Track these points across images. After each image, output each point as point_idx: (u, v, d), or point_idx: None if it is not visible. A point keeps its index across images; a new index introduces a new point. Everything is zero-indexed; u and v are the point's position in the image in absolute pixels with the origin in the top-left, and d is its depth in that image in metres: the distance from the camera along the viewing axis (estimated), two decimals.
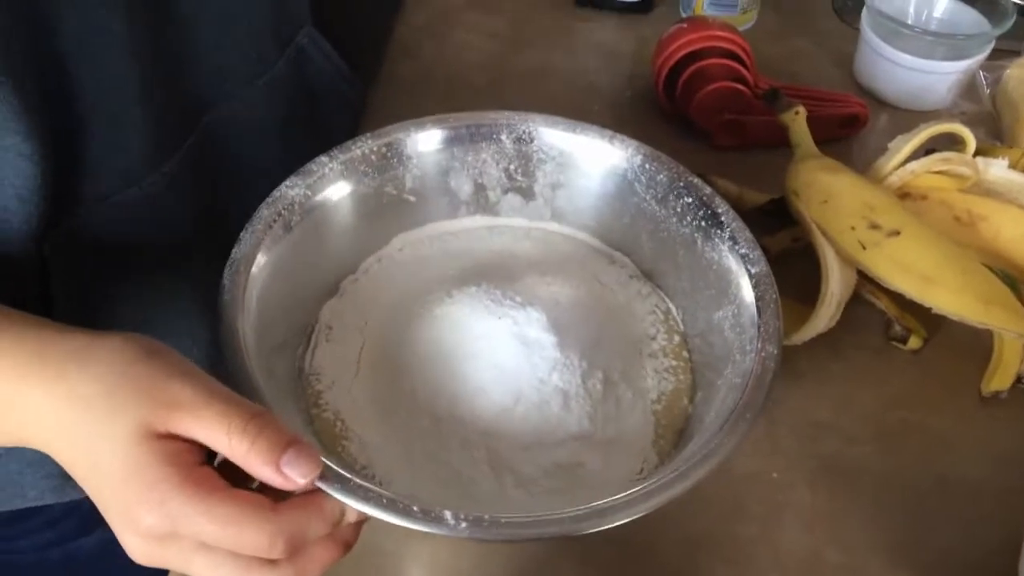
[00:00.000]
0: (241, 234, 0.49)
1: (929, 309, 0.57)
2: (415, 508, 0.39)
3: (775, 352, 0.45)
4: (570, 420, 0.48)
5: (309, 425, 0.49)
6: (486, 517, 0.39)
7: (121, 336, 0.38)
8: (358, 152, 0.54)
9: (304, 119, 0.63)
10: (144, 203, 0.51)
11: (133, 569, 0.55)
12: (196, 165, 0.54)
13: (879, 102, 0.79)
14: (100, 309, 0.52)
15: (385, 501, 0.39)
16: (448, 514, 0.39)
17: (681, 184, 0.53)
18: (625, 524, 0.40)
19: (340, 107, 0.68)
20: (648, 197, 0.55)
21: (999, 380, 0.58)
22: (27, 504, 0.57)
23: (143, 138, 0.50)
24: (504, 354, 0.48)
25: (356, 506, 0.39)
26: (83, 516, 0.62)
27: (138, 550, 0.37)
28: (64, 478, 0.54)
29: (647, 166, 0.54)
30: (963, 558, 0.52)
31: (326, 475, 0.40)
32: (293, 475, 0.37)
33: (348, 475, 0.40)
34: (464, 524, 0.39)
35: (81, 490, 0.58)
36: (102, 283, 0.52)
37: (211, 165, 0.56)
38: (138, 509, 0.36)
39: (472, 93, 0.80)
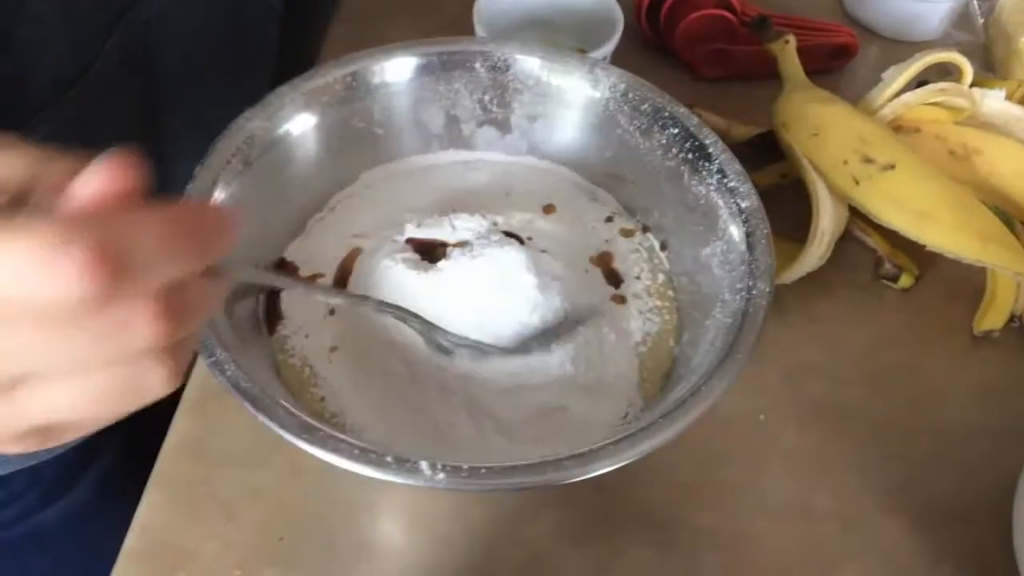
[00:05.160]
0: (196, 169, 0.46)
1: (922, 247, 0.55)
2: (389, 458, 0.37)
3: (767, 290, 0.43)
4: (551, 363, 0.45)
5: (275, 372, 0.46)
6: (464, 467, 0.37)
7: None
8: (321, 82, 0.51)
9: (224, 24, 0.57)
10: (76, 116, 0.47)
11: (102, 535, 0.53)
12: (122, 69, 0.49)
13: (869, 33, 0.76)
14: None
15: (357, 452, 0.37)
16: (424, 464, 0.36)
17: (666, 114, 0.50)
18: (609, 471, 0.38)
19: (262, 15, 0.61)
20: (631, 129, 0.52)
21: (992, 319, 0.56)
22: None
23: (63, 36, 0.45)
24: (481, 295, 0.45)
25: (325, 457, 0.37)
26: (46, 484, 0.60)
27: None
28: None
29: (630, 95, 0.51)
30: (956, 500, 0.50)
31: (290, 425, 0.38)
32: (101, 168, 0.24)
33: (315, 424, 0.38)
34: (441, 474, 0.36)
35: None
36: None
37: (137, 69, 0.51)
38: None
39: (444, 22, 0.76)
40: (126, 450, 0.63)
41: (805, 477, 0.51)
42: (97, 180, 0.24)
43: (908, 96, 0.60)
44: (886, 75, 0.61)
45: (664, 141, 0.50)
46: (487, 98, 0.54)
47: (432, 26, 0.74)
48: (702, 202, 0.48)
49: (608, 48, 0.61)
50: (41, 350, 0.23)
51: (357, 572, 0.46)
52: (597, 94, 0.52)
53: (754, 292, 0.43)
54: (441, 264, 0.46)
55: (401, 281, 0.47)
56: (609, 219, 0.54)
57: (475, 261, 0.46)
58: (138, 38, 0.50)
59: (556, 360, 0.45)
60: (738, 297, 0.43)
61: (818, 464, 0.51)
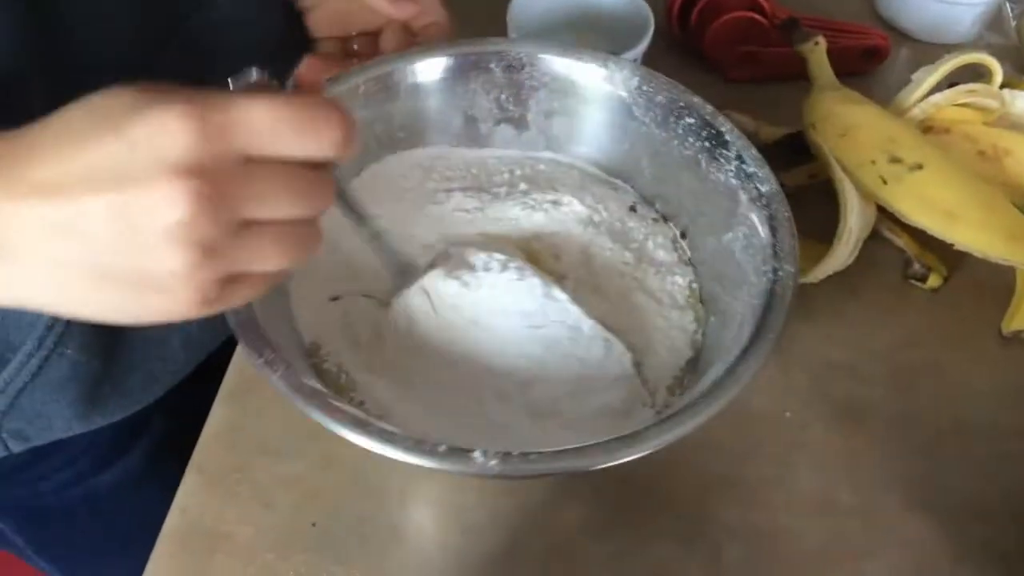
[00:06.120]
0: None
1: (950, 246, 0.55)
2: (442, 448, 0.37)
3: (792, 271, 0.43)
4: (609, 365, 0.47)
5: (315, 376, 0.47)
6: (515, 453, 0.37)
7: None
8: (343, 87, 0.52)
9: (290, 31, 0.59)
10: None
11: (152, 503, 0.55)
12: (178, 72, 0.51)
13: (901, 35, 0.77)
14: None
15: (411, 443, 0.37)
16: (477, 452, 0.37)
17: (681, 104, 0.51)
18: (635, 463, 0.39)
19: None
20: (647, 120, 0.52)
21: (1021, 319, 0.56)
22: (56, 437, 0.56)
23: (127, 31, 0.47)
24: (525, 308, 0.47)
25: (379, 449, 0.37)
26: (99, 450, 0.62)
27: (179, 199, 0.29)
28: (89, 403, 0.54)
29: (645, 88, 0.52)
30: (979, 499, 0.50)
31: (341, 418, 0.38)
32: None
33: (368, 419, 0.38)
34: (494, 461, 0.37)
35: (108, 413, 0.57)
36: None
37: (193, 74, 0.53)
38: (159, 132, 0.29)
39: (478, 26, 0.77)
40: (175, 422, 0.65)
41: (830, 473, 0.51)
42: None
43: (938, 97, 0.60)
44: (916, 76, 0.61)
45: (680, 131, 0.51)
46: (503, 97, 0.55)
47: (466, 31, 0.75)
48: (721, 189, 0.49)
49: (639, 50, 0.62)
50: (281, 195, 0.31)
51: (386, 558, 0.48)
52: (611, 88, 0.53)
53: (780, 274, 0.43)
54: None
55: (441, 290, 0.47)
56: (629, 209, 0.54)
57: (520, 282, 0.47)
58: (200, 42, 0.52)
59: (609, 361, 0.47)
60: (764, 279, 0.44)
61: (843, 461, 0.52)
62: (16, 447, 0.56)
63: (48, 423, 0.55)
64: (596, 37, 0.68)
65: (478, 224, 0.52)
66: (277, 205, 0.31)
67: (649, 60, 0.61)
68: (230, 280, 0.32)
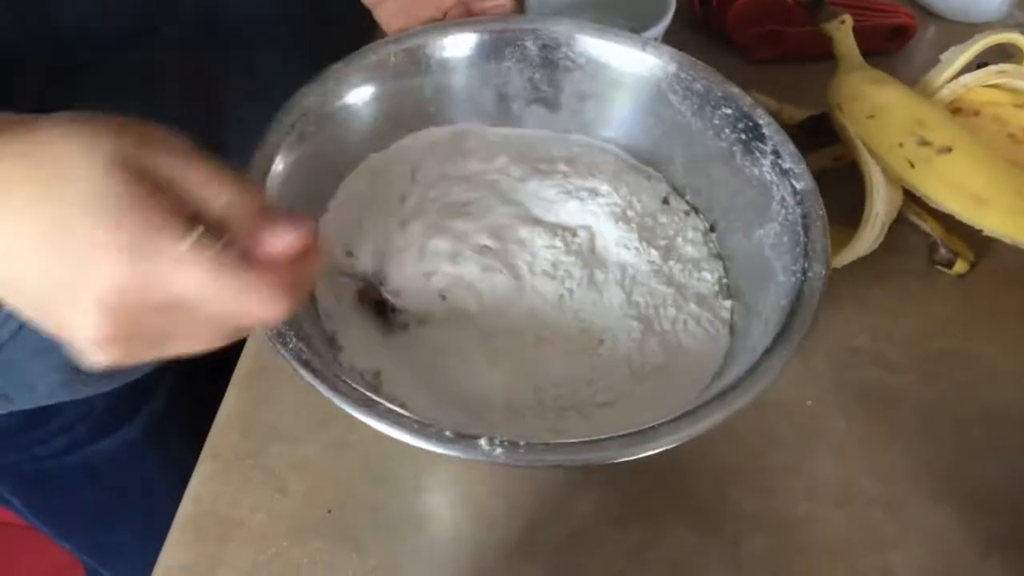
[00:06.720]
0: (258, 143, 0.46)
1: (977, 232, 0.54)
2: (449, 433, 0.37)
3: (823, 272, 0.42)
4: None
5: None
6: (521, 442, 0.36)
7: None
8: (374, 59, 0.51)
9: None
10: (132, 71, 0.48)
11: (150, 472, 0.54)
12: (193, 30, 0.51)
13: (928, 14, 0.75)
14: None
15: (417, 426, 0.37)
16: (483, 440, 0.36)
17: (719, 94, 0.50)
18: (653, 454, 0.38)
19: None
20: (683, 108, 0.51)
21: None
22: (39, 402, 0.56)
23: None
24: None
25: (385, 430, 0.37)
26: (96, 419, 0.62)
27: (92, 330, 0.30)
28: (73, 371, 0.54)
29: (683, 75, 0.51)
30: (1006, 490, 0.49)
31: (348, 395, 0.38)
32: (289, 229, 0.32)
33: (375, 398, 0.38)
34: (499, 449, 0.36)
35: (94, 383, 0.57)
36: None
37: (202, 35, 0.53)
38: (101, 255, 0.29)
39: None
40: (178, 397, 0.66)
41: (852, 463, 0.50)
42: (286, 242, 0.32)
43: (967, 78, 0.59)
44: (945, 56, 0.60)
45: (716, 121, 0.50)
46: (537, 76, 0.54)
47: None
48: (754, 183, 0.48)
49: (660, 29, 0.61)
50: (203, 331, 0.32)
51: (402, 546, 0.47)
52: (649, 73, 0.52)
53: (809, 274, 0.42)
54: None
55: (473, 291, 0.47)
56: (662, 199, 0.53)
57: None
58: (199, 14, 0.52)
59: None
60: (793, 279, 0.43)
61: (866, 450, 0.51)
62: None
63: (31, 387, 0.55)
64: (616, 15, 0.66)
65: (519, 194, 0.51)
66: (197, 338, 0.33)
67: (669, 40, 0.59)
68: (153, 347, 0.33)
